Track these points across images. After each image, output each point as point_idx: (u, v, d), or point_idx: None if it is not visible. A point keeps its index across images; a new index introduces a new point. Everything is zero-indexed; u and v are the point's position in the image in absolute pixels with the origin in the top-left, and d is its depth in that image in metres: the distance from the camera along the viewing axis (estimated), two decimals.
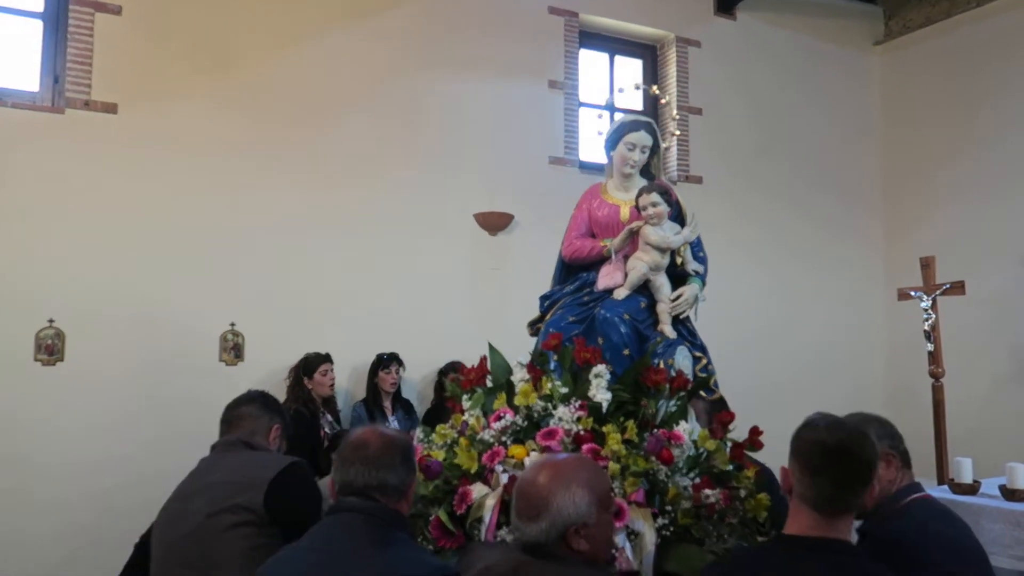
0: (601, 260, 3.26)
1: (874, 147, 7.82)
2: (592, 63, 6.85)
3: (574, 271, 3.40)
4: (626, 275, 3.15)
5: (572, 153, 6.45)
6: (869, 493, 1.76)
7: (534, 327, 3.42)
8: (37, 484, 4.63)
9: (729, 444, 2.57)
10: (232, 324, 5.25)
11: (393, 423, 5.26)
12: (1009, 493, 3.67)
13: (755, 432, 2.56)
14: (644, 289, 3.14)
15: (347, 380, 5.58)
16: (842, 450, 1.70)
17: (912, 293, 4.92)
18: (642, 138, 3.32)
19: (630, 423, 2.49)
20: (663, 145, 3.44)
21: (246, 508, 2.19)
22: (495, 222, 6.02)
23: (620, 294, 3.12)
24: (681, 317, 3.18)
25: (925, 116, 7.45)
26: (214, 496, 2.26)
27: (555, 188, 6.31)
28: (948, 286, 4.77)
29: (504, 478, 2.38)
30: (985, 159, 6.89)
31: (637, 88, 4.06)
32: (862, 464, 1.72)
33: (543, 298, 3.42)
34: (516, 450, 2.45)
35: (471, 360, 5.53)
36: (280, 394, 5.03)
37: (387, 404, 5.33)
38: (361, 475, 1.83)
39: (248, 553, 2.12)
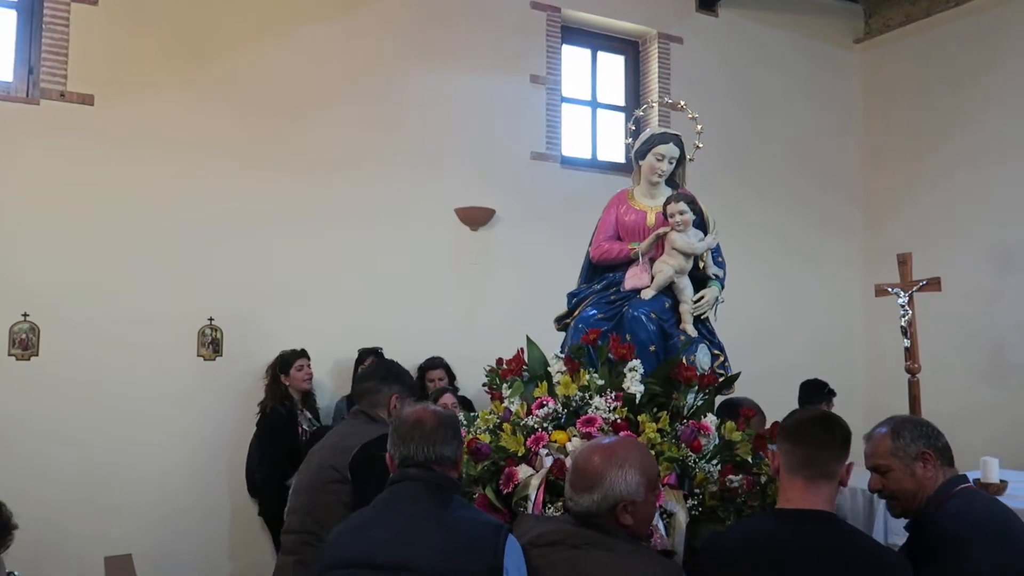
0: (627, 262, 3.47)
1: (854, 143, 7.88)
2: (574, 58, 6.85)
3: (600, 271, 3.61)
4: (652, 277, 3.35)
5: (554, 148, 6.45)
6: (847, 469, 2.07)
7: (561, 322, 3.60)
8: (13, 481, 4.56)
9: (752, 435, 2.81)
10: (210, 319, 5.20)
11: None
12: (983, 487, 3.72)
13: (776, 427, 2.70)
14: (668, 290, 3.36)
15: (330, 376, 5.55)
16: (815, 420, 2.13)
17: (889, 289, 4.96)
18: (671, 150, 3.52)
19: (663, 414, 2.75)
20: (688, 157, 3.63)
21: (337, 469, 2.64)
22: (476, 217, 6.01)
23: (647, 294, 3.33)
24: (702, 317, 3.41)
25: (904, 113, 7.52)
26: (323, 457, 2.76)
27: (537, 183, 6.32)
28: (924, 283, 4.81)
29: (548, 460, 2.61)
30: (962, 155, 6.97)
31: (660, 102, 4.14)
32: (834, 432, 2.08)
33: (571, 295, 3.61)
34: (558, 435, 2.70)
35: (453, 355, 5.61)
36: (258, 392, 5.00)
37: None
38: (420, 449, 2.06)
39: (339, 508, 2.51)
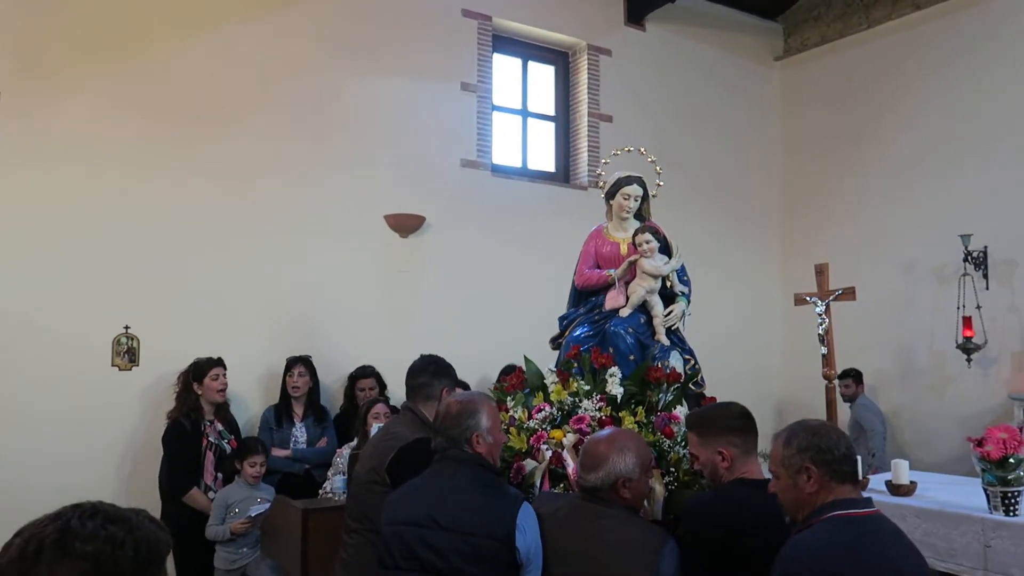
0: (607, 287, 4.03)
1: (773, 157, 8.16)
2: (506, 67, 6.88)
3: (584, 296, 4.18)
4: (628, 297, 3.91)
5: (485, 156, 6.46)
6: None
7: (555, 342, 4.14)
8: None
9: None
10: (126, 327, 4.99)
11: (301, 430, 5.11)
12: (894, 488, 3.88)
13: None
14: (642, 307, 3.92)
15: (259, 384, 5.40)
16: (745, 413, 2.62)
17: (807, 298, 5.14)
18: (635, 190, 4.07)
19: (640, 408, 3.28)
20: (652, 193, 4.19)
21: (376, 471, 2.85)
22: (406, 224, 5.95)
23: (624, 312, 3.89)
24: (672, 328, 3.95)
25: (821, 129, 7.84)
26: (370, 455, 2.99)
27: (467, 190, 6.31)
28: (840, 292, 5.00)
29: (548, 454, 3.16)
30: (874, 172, 7.30)
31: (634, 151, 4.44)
32: (752, 419, 2.60)
33: (561, 318, 4.18)
34: (555, 433, 3.24)
35: (384, 364, 5.53)
36: (170, 402, 4.77)
37: (297, 409, 5.17)
38: (449, 435, 2.52)
39: (381, 504, 2.64)
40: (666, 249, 3.97)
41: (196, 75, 5.31)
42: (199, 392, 4.71)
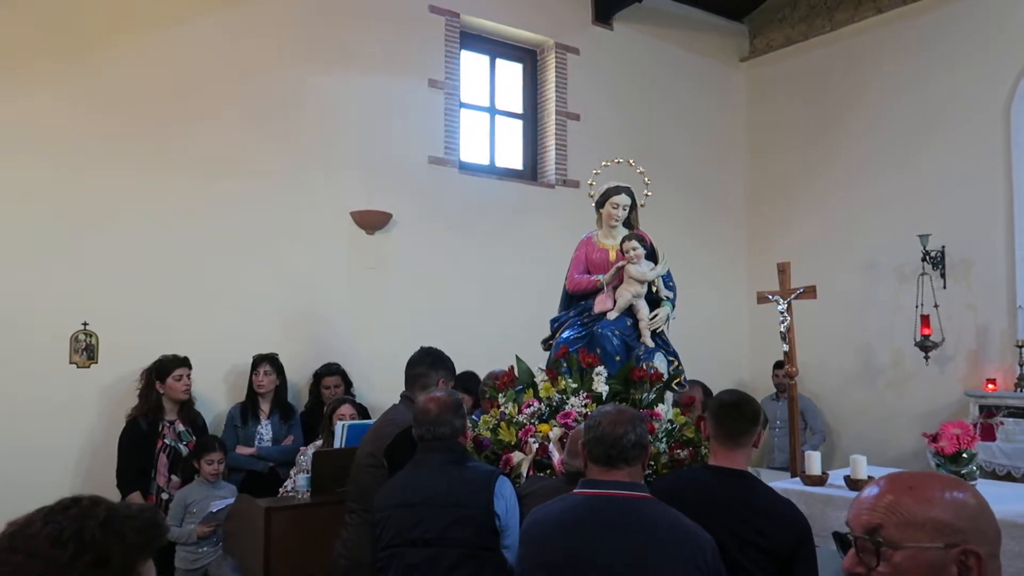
0: (595, 291, 4.24)
1: (739, 156, 8.26)
2: (473, 64, 6.87)
3: (575, 300, 4.39)
4: (615, 301, 4.12)
5: (452, 153, 6.44)
6: (758, 436, 2.73)
7: (547, 343, 4.37)
8: None
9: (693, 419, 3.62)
10: (84, 324, 4.90)
11: (267, 427, 5.06)
12: (853, 483, 3.96)
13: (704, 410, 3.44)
14: (629, 311, 4.13)
15: (224, 381, 5.34)
16: (732, 403, 2.74)
17: (769, 296, 5.21)
18: (623, 199, 4.29)
19: (623, 405, 3.39)
20: (640, 203, 4.43)
21: (374, 455, 3.10)
22: (373, 220, 5.92)
23: (612, 316, 4.12)
24: (657, 331, 4.15)
25: (785, 129, 7.95)
26: (368, 440, 3.25)
27: (434, 187, 6.29)
28: (802, 290, 5.07)
29: (535, 446, 3.41)
30: (837, 172, 7.42)
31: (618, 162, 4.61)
32: (745, 412, 2.72)
33: (553, 321, 4.40)
34: (542, 427, 3.49)
35: (349, 361, 5.49)
36: (132, 401, 4.69)
37: (264, 407, 5.11)
38: (429, 430, 2.81)
39: (376, 486, 2.93)
40: (652, 256, 4.19)
41: (158, 71, 5.21)
42: (161, 391, 4.63)
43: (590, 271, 4.32)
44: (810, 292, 5.05)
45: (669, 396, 3.96)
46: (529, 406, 3.62)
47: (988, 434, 5.76)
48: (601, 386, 3.66)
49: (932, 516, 1.20)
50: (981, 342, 6.38)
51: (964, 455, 3.61)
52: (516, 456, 3.43)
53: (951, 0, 6.67)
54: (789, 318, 5.06)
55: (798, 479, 4.29)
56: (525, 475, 3.32)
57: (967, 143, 6.51)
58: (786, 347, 5.06)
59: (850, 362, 7.14)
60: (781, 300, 5.09)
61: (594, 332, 4.09)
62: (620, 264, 4.15)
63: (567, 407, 3.59)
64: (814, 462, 4.16)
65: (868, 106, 7.21)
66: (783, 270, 5.18)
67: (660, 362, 4.06)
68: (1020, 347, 6.02)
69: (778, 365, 6.39)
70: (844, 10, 7.45)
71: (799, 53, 7.87)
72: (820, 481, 4.09)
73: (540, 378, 3.82)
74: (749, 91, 8.33)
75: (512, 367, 3.93)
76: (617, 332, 4.05)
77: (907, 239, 6.61)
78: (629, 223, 4.41)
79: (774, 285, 5.22)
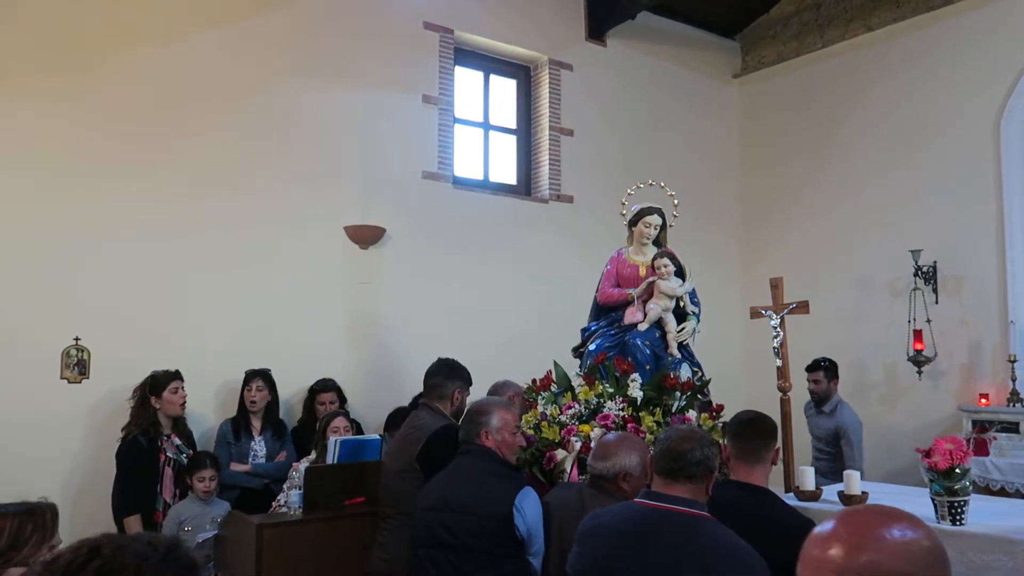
0: (626, 303, 4.55)
1: (732, 172, 8.30)
2: (467, 80, 6.90)
3: (605, 311, 4.68)
4: (645, 314, 4.44)
5: (446, 168, 6.46)
6: (776, 452, 2.92)
7: (577, 351, 4.65)
8: None
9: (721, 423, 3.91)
10: (76, 339, 4.88)
11: (260, 443, 5.02)
12: (847, 499, 3.94)
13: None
14: (657, 324, 4.45)
15: (216, 397, 5.31)
16: (748, 421, 2.95)
17: (762, 311, 5.21)
18: (655, 219, 4.66)
19: (657, 410, 3.83)
20: (669, 224, 4.77)
21: (407, 461, 3.24)
22: (366, 235, 5.92)
23: (642, 327, 4.43)
24: (683, 343, 4.47)
25: (778, 145, 8.00)
26: (397, 449, 3.42)
27: (428, 203, 6.30)
28: (794, 305, 5.08)
29: (577, 445, 3.65)
30: (829, 187, 7.46)
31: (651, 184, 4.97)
32: (762, 429, 2.92)
33: (584, 330, 4.68)
34: (584, 427, 3.76)
35: (343, 376, 5.47)
36: (124, 417, 4.64)
37: (256, 423, 5.08)
38: (468, 433, 3.05)
39: (411, 491, 3.11)
40: (680, 273, 4.52)
41: (152, 87, 5.22)
42: (157, 406, 4.58)
43: (620, 285, 4.62)
44: (803, 307, 5.06)
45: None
46: (570, 407, 3.92)
47: (981, 449, 5.77)
48: (636, 392, 3.93)
49: (897, 568, 1.13)
50: (974, 357, 6.40)
51: (957, 470, 3.60)
52: (559, 454, 3.72)
53: (941, 18, 6.75)
54: (782, 333, 5.06)
55: (791, 494, 4.27)
56: (568, 472, 3.56)
57: (957, 159, 6.57)
58: (779, 362, 5.06)
59: (843, 377, 7.11)
60: (774, 315, 5.10)
61: (626, 342, 4.40)
62: (651, 279, 4.47)
63: (604, 410, 3.87)
64: (808, 477, 4.14)
65: (860, 122, 7.27)
66: (776, 285, 5.19)
67: (685, 372, 4.35)
68: (1012, 362, 6.04)
69: (810, 368, 6.07)
70: (835, 28, 7.53)
71: (791, 69, 7.93)
72: (814, 496, 4.08)
73: (577, 383, 4.11)
74: (741, 107, 8.39)
75: (550, 372, 4.24)
76: (647, 343, 4.38)
77: (899, 254, 6.64)
78: (659, 242, 4.77)
79: (767, 300, 5.23)
